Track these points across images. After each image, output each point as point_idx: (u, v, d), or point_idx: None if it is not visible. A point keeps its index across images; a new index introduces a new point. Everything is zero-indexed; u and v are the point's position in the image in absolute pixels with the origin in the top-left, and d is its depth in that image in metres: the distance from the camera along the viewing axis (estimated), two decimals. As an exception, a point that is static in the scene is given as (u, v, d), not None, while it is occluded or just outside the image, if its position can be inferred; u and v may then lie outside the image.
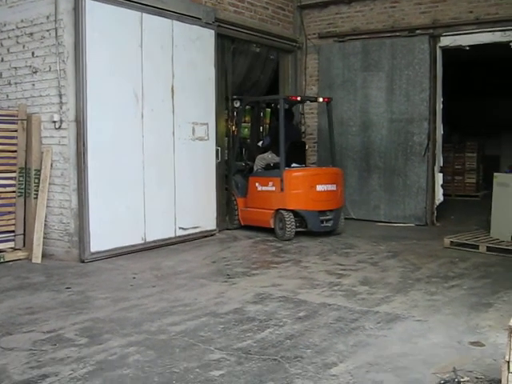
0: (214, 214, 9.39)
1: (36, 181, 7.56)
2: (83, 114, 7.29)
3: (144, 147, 8.09)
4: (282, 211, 8.97)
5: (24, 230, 7.67)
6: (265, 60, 11.02)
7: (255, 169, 9.81)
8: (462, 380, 3.73)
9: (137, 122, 8.01)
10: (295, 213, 8.99)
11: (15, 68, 7.84)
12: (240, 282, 6.46)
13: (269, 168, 9.64)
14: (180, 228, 8.72)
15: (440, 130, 10.54)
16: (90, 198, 7.38)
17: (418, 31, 10.44)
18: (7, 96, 7.94)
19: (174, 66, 8.55)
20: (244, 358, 4.14)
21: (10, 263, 7.30)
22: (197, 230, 9.03)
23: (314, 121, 11.69)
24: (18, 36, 7.77)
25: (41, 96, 7.58)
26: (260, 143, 10.05)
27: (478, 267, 7.17)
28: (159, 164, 8.35)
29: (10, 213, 7.60)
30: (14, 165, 7.59)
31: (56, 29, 7.32)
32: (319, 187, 9.12)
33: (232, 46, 10.13)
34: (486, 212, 9.17)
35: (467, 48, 10.13)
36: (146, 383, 3.74)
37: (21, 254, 7.51)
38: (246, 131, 10.86)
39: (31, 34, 7.61)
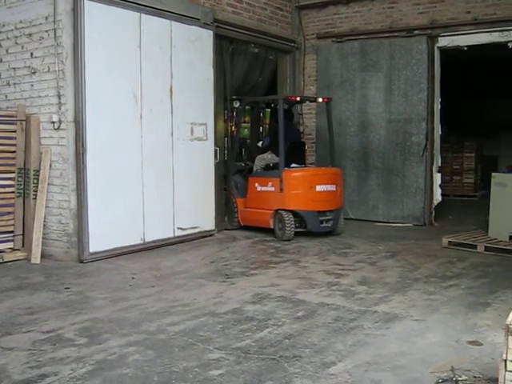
0: (213, 215, 9.40)
1: (35, 181, 7.57)
2: (82, 115, 7.30)
3: (143, 147, 8.11)
4: (282, 211, 8.97)
5: (23, 231, 7.68)
6: (263, 60, 11.03)
7: (255, 169, 9.80)
8: (459, 379, 3.75)
9: (135, 123, 8.02)
10: (295, 213, 8.98)
11: (14, 69, 7.85)
12: (239, 282, 6.47)
13: (268, 168, 9.63)
14: (179, 228, 8.74)
15: (438, 130, 10.56)
16: (89, 198, 7.39)
17: (416, 31, 10.46)
18: (6, 97, 7.96)
19: (172, 66, 8.56)
20: (243, 358, 4.16)
21: (9, 263, 7.31)
22: (195, 231, 9.04)
23: (312, 121, 11.71)
24: (16, 37, 7.78)
25: (40, 96, 7.59)
26: (260, 143, 10.04)
27: (476, 267, 7.19)
28: (158, 164, 8.36)
29: (9, 213, 7.61)
30: (13, 165, 7.60)
31: (55, 29, 7.33)
32: (319, 187, 9.12)
33: (231, 46, 10.14)
34: (484, 212, 9.19)
35: (465, 48, 10.15)
36: (146, 383, 3.76)
37: (20, 255, 7.52)
38: (245, 131, 10.87)
39: (30, 34, 7.63)
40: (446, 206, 11.48)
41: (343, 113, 11.11)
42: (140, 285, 6.31)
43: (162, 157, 8.46)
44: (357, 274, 6.81)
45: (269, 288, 6.15)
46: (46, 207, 7.56)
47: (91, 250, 7.42)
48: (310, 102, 10.69)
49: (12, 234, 7.62)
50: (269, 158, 9.66)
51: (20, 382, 3.77)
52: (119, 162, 7.77)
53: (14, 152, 7.60)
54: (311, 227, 9.11)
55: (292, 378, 3.82)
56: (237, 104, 10.05)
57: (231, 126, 10.27)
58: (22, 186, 7.64)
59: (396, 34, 10.68)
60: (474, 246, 8.12)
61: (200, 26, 9.02)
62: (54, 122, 7.44)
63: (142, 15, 8.04)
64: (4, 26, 7.90)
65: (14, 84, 7.85)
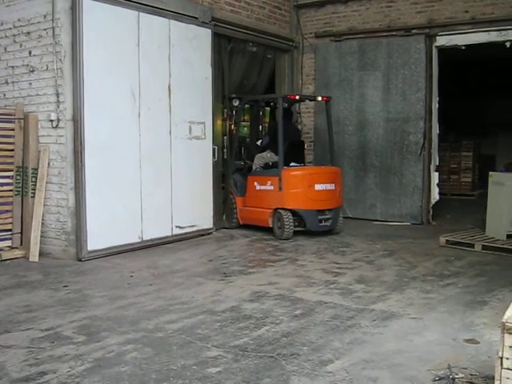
0: (211, 213, 9.41)
1: (33, 179, 7.57)
2: (80, 113, 7.31)
3: (141, 146, 8.11)
4: (281, 210, 8.96)
5: (21, 229, 7.69)
6: (262, 59, 11.03)
7: (254, 168, 9.79)
8: (456, 377, 3.76)
9: (134, 121, 8.03)
10: (293, 212, 8.97)
11: (12, 67, 7.85)
12: (237, 280, 6.48)
13: (268, 167, 9.61)
14: (177, 227, 8.75)
15: (436, 129, 10.58)
16: (87, 196, 7.40)
17: (414, 31, 10.49)
18: (4, 95, 7.96)
19: (170, 65, 8.57)
20: (241, 356, 4.17)
21: (8, 262, 7.31)
22: (193, 229, 9.06)
23: (310, 120, 11.73)
24: (15, 35, 7.78)
25: (38, 95, 7.59)
26: (259, 142, 10.04)
27: (474, 266, 7.21)
28: (156, 163, 8.37)
29: (7, 211, 7.61)
30: (11, 163, 7.61)
31: (53, 28, 7.33)
32: (318, 186, 9.10)
33: (229, 45, 10.14)
34: (481, 211, 9.23)
35: (463, 47, 10.17)
36: (144, 380, 3.77)
37: (18, 253, 7.52)
38: (245, 130, 10.87)
39: (28, 33, 7.63)
40: (443, 204, 11.51)
41: (341, 112, 11.12)
42: (138, 283, 6.32)
43: (161, 155, 8.47)
44: (354, 273, 6.82)
45: (267, 286, 6.17)
46: (45, 205, 7.56)
47: (89, 248, 7.44)
48: (310, 100, 10.68)
49: (10, 232, 7.63)
50: (268, 156, 9.65)
51: (19, 379, 3.77)
52: (117, 161, 7.77)
53: (13, 150, 7.60)
54: (310, 226, 9.11)
55: (290, 375, 3.83)
56: (236, 103, 10.04)
57: (231, 125, 10.24)
58: (20, 185, 7.65)
59: (394, 33, 10.71)
60: (472, 245, 8.15)
61: (198, 25, 9.03)
62: (52, 121, 7.44)
63: (141, 14, 8.05)
64: (2, 24, 7.90)
65: (13, 82, 7.86)
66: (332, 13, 11.44)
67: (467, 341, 4.50)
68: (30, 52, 7.64)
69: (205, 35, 9.17)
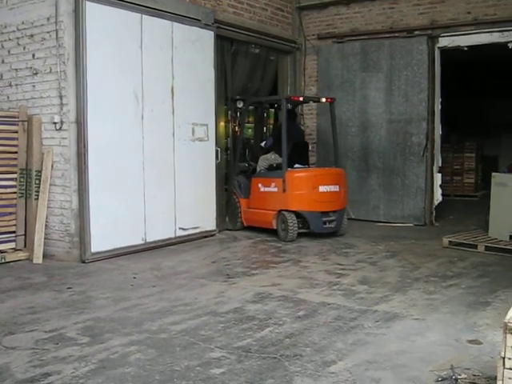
0: (214, 215, 9.43)
1: (37, 182, 7.60)
2: (84, 115, 7.33)
3: (144, 148, 8.14)
4: (285, 212, 8.94)
5: (25, 231, 7.71)
6: (265, 61, 11.04)
7: (258, 169, 9.77)
8: (459, 377, 3.77)
9: (137, 123, 8.05)
10: (297, 214, 8.94)
11: (16, 69, 7.88)
12: (240, 281, 6.50)
13: (272, 169, 9.60)
14: (180, 228, 8.76)
15: (438, 131, 10.58)
16: (91, 198, 7.42)
17: (416, 32, 10.48)
18: (8, 97, 7.99)
19: (173, 67, 8.59)
20: (244, 357, 4.19)
21: (11, 264, 7.34)
22: (197, 231, 9.07)
23: (313, 121, 11.73)
24: (18, 38, 7.81)
25: (41, 97, 7.62)
26: (263, 143, 10.01)
27: (477, 266, 7.21)
28: (159, 165, 8.39)
29: (10, 213, 7.64)
30: (15, 166, 7.64)
31: (56, 30, 7.36)
32: (322, 188, 9.06)
33: (232, 47, 10.16)
34: (484, 212, 9.20)
35: (465, 48, 10.17)
36: (148, 381, 3.78)
37: (22, 255, 7.55)
38: (249, 132, 10.87)
39: (32, 35, 7.65)
40: (446, 206, 11.50)
41: (344, 113, 11.12)
42: (141, 285, 6.34)
43: (164, 157, 8.49)
44: (357, 274, 6.83)
45: (270, 287, 6.18)
46: (48, 207, 7.59)
47: (93, 250, 7.46)
48: (314, 102, 10.66)
49: (14, 235, 7.65)
50: (272, 158, 9.63)
51: (23, 380, 3.79)
52: (121, 163, 7.80)
53: (16, 153, 7.63)
54: (314, 228, 9.07)
55: (293, 376, 3.85)
56: (240, 104, 10.04)
57: (235, 127, 10.25)
58: (23, 187, 7.68)
59: (396, 34, 10.71)
60: (475, 246, 8.14)
61: (201, 27, 9.05)
62: (55, 123, 7.47)
63: (143, 16, 8.08)
64: (6, 27, 7.93)
65: (16, 85, 7.89)
66: (334, 14, 11.44)
67: (470, 341, 4.51)
68: (33, 55, 7.67)
69: (207, 37, 9.19)
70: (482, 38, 9.87)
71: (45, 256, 7.49)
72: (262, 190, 9.42)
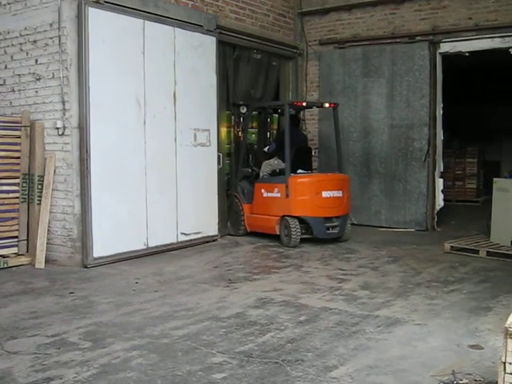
0: (216, 220, 9.43)
1: (39, 187, 7.62)
2: (86, 121, 7.36)
3: (146, 153, 8.16)
4: (288, 218, 8.91)
5: (27, 236, 7.73)
6: (267, 67, 11.06)
7: (261, 175, 9.76)
8: (460, 382, 3.77)
9: (139, 129, 8.07)
10: (301, 219, 8.92)
11: (19, 75, 7.91)
12: (242, 286, 6.50)
13: (275, 174, 9.59)
14: (182, 233, 8.78)
15: (440, 136, 10.60)
16: (93, 203, 7.44)
17: (417, 38, 10.51)
18: (11, 103, 8.02)
19: (176, 72, 8.62)
20: (246, 361, 4.19)
21: (14, 268, 7.36)
22: (198, 236, 9.08)
23: (314, 127, 11.75)
24: (21, 43, 7.85)
25: (44, 103, 7.65)
26: (266, 149, 10.01)
27: (478, 272, 7.21)
28: (161, 170, 8.41)
29: (13, 218, 7.66)
30: (18, 171, 7.66)
31: (59, 36, 7.40)
32: (325, 193, 9.03)
33: (234, 52, 10.19)
34: (486, 217, 9.20)
35: (467, 54, 10.20)
36: (149, 386, 3.80)
37: (24, 260, 7.56)
38: (253, 137, 10.88)
39: (35, 41, 7.69)
40: (448, 211, 11.50)
41: (345, 119, 11.12)
42: (143, 290, 6.35)
43: (166, 162, 8.51)
44: (359, 279, 6.83)
45: (271, 293, 6.18)
46: (51, 212, 7.61)
47: (95, 255, 7.47)
48: (317, 107, 10.67)
49: (16, 239, 7.67)
50: (275, 163, 9.63)
51: (25, 385, 3.81)
52: (123, 168, 7.82)
53: (19, 158, 7.66)
54: (317, 234, 9.03)
55: (294, 381, 3.85)
56: (244, 109, 10.05)
57: (238, 132, 10.25)
58: (26, 192, 7.70)
59: (398, 40, 10.74)
60: (476, 251, 8.14)
61: (203, 33, 9.08)
62: (58, 128, 7.49)
63: (146, 22, 8.11)
64: (9, 32, 7.97)
65: (19, 90, 7.92)
66: (336, 20, 11.47)
67: (471, 346, 4.51)
68: (36, 60, 7.71)
69: (210, 43, 9.22)
70: (483, 44, 9.89)
71: (47, 261, 7.51)
72: (265, 195, 9.40)
